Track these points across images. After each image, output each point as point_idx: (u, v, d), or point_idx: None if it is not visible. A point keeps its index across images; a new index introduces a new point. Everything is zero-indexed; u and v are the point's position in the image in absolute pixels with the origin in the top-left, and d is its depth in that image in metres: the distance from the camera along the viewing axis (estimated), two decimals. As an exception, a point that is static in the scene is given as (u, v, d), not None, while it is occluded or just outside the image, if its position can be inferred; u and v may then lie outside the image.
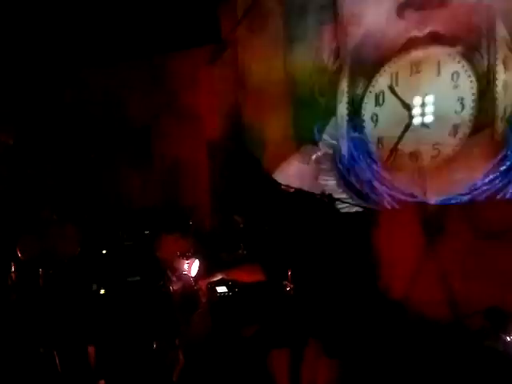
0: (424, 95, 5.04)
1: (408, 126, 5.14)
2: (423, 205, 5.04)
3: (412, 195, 5.15)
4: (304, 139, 5.85)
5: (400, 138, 5.17)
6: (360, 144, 5.46)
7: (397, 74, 5.21)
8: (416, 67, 5.07)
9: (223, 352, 3.43)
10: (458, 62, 4.85)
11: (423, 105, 5.05)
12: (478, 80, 4.76)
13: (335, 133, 5.66)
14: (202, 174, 6.37)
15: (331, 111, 5.67)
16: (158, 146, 6.67)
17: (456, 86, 4.87)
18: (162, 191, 6.43)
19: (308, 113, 5.80)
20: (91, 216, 5.38)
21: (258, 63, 6.12)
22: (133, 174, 6.55)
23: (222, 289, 3.67)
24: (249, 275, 3.48)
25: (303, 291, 3.09)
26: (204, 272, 3.96)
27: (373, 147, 5.40)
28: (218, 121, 6.34)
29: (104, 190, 6.32)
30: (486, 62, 4.71)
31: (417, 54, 5.04)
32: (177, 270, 4.03)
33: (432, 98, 5.01)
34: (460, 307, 4.76)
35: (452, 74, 4.89)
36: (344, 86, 5.58)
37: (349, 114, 5.55)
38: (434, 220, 4.97)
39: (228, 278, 3.70)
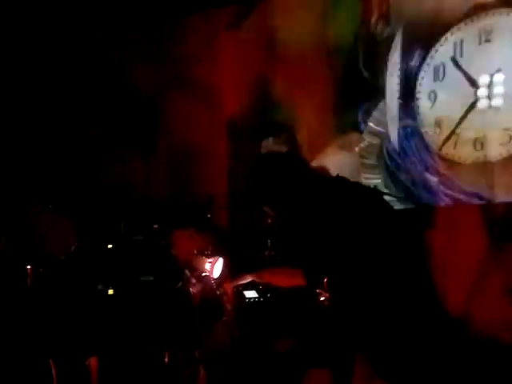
0: (494, 70, 5.03)
1: (473, 105, 5.14)
2: (489, 203, 5.05)
3: (476, 195, 5.15)
4: (345, 125, 5.87)
5: (462, 118, 5.18)
6: (413, 132, 5.49)
7: (461, 42, 5.20)
8: (486, 35, 5.06)
9: (251, 369, 3.44)
10: (537, 31, 4.85)
11: (492, 81, 5.04)
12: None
13: (383, 118, 5.66)
14: (219, 159, 6.39)
15: (379, 89, 5.69)
16: (167, 126, 6.69)
17: (534, 60, 4.87)
18: (170, 179, 6.46)
19: (351, 91, 5.82)
20: (88, 206, 5.40)
21: (292, 28, 6.11)
22: (136, 157, 6.59)
23: (251, 294, 3.67)
24: (287, 279, 3.47)
25: (345, 300, 3.08)
26: (229, 273, 3.97)
27: (429, 134, 5.42)
28: (241, 97, 6.34)
29: (103, 176, 6.34)
30: None
31: (488, 19, 5.04)
32: (197, 270, 4.00)
33: (504, 74, 4.99)
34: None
35: (530, 45, 4.88)
36: (396, 57, 5.57)
37: (401, 92, 5.55)
38: (502, 222, 4.99)
39: (259, 282, 3.70)
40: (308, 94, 6.06)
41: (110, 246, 4.13)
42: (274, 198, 3.28)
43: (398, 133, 5.57)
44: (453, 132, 5.25)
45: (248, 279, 3.70)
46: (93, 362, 3.57)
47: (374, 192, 3.38)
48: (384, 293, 3.15)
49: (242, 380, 3.52)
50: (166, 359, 3.71)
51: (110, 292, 3.69)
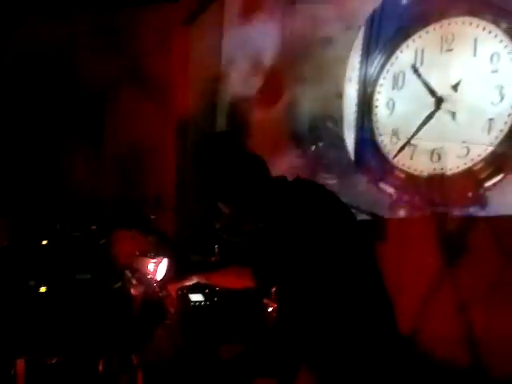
0: (455, 80, 4.95)
1: (431, 115, 5.07)
2: (443, 216, 4.97)
3: (430, 207, 5.08)
4: (301, 124, 5.75)
5: (419, 128, 5.10)
6: (369, 139, 5.39)
7: (423, 50, 5.13)
8: (447, 44, 4.99)
9: (194, 377, 3.26)
10: (500, 42, 4.74)
11: (452, 91, 4.96)
12: (524, 64, 4.69)
13: (340, 119, 5.57)
14: (168, 158, 6.22)
15: (337, 92, 5.58)
16: (113, 122, 6.48)
17: (495, 71, 4.77)
18: (116, 178, 6.24)
19: (309, 91, 5.70)
20: (24, 204, 5.18)
21: (249, 25, 6.01)
22: (79, 156, 6.36)
23: (196, 297, 3.45)
24: (235, 280, 3.29)
25: (293, 310, 2.89)
26: (174, 275, 3.77)
27: (385, 143, 5.32)
28: (193, 95, 6.18)
29: (43, 173, 6.12)
30: (535, 42, 4.67)
31: (449, 27, 4.96)
32: (138, 271, 3.82)
33: (464, 83, 4.91)
34: (481, 347, 4.68)
35: (491, 56, 4.78)
36: (355, 62, 5.49)
37: (359, 97, 5.47)
38: (456, 236, 4.91)
39: (206, 283, 3.49)
40: (263, 93, 5.96)
41: (44, 242, 3.89)
42: (226, 188, 3.07)
43: (356, 136, 5.45)
44: (408, 142, 5.16)
45: (194, 281, 3.51)
46: (20, 364, 3.34)
47: (333, 196, 3.17)
48: (335, 303, 2.99)
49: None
50: (101, 364, 3.53)
51: (43, 289, 3.44)
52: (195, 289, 3.52)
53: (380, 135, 5.37)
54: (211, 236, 4.38)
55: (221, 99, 6.15)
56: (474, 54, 4.89)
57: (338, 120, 5.59)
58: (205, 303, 3.30)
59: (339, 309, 2.93)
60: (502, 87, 4.77)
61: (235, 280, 3.29)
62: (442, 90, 5.04)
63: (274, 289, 3.40)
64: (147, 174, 6.18)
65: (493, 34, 4.80)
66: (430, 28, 5.10)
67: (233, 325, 3.29)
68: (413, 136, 5.11)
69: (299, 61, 5.81)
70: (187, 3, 6.37)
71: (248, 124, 5.95)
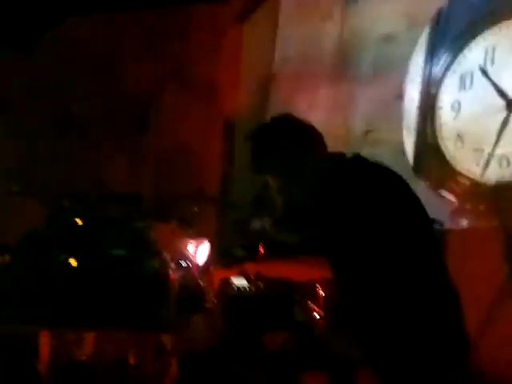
0: None
1: (506, 120, 4.72)
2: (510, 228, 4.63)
3: (497, 211, 4.71)
4: (357, 127, 5.45)
5: (498, 137, 4.76)
6: (432, 139, 5.08)
7: (493, 49, 4.83)
8: (523, 43, 4.69)
9: (235, 367, 2.94)
10: None
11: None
12: None
13: (400, 121, 5.30)
14: (213, 158, 6.00)
15: (398, 93, 5.30)
16: (158, 123, 6.29)
17: None
18: (155, 180, 6.05)
19: (366, 92, 5.44)
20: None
21: (306, 24, 5.78)
22: (120, 155, 6.19)
23: (240, 281, 3.15)
24: (306, 271, 3.02)
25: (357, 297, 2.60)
26: (216, 261, 3.54)
27: (449, 148, 5.01)
28: (242, 97, 5.97)
29: (80, 171, 5.99)
30: None
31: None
32: (177, 255, 3.61)
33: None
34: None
35: None
36: (419, 61, 5.21)
37: (421, 99, 5.19)
38: None
39: (264, 274, 3.23)
40: (317, 98, 5.70)
41: (79, 221, 3.66)
42: (277, 161, 2.81)
43: (415, 142, 5.16)
44: (492, 153, 4.81)
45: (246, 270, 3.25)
46: (44, 337, 3.08)
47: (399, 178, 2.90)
48: (402, 294, 2.69)
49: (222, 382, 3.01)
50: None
51: (73, 263, 3.20)
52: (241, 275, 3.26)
53: (443, 139, 5.07)
54: (256, 234, 4.18)
55: (272, 100, 5.91)
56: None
57: (398, 122, 5.31)
58: (250, 288, 2.99)
59: (406, 296, 2.67)
60: None
61: (305, 271, 3.04)
62: None
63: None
64: (191, 174, 5.97)
65: None
66: (503, 25, 4.82)
67: (279, 312, 2.95)
68: (495, 145, 4.78)
69: (358, 60, 5.58)
70: (239, 2, 6.18)
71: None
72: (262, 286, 3.13)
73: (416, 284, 2.64)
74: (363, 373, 2.82)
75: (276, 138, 2.83)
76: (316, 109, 5.59)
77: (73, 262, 3.17)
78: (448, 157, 5.03)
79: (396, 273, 2.66)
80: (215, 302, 3.17)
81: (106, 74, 6.32)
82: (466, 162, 4.92)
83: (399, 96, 5.33)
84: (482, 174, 4.82)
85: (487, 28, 4.90)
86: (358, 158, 2.90)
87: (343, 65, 5.64)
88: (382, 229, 2.65)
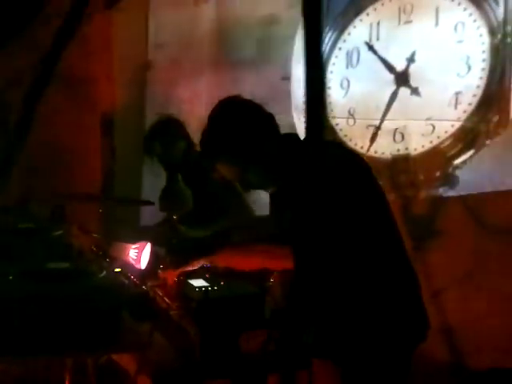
0: (414, 54, 4.76)
1: (394, 94, 4.84)
2: (409, 199, 4.78)
3: (396, 185, 4.85)
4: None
5: (386, 110, 4.84)
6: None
7: (378, 24, 4.92)
8: (406, 15, 4.81)
9: (212, 373, 2.64)
10: (464, 10, 4.60)
11: (413, 65, 4.77)
12: (491, 33, 4.49)
13: (289, 104, 5.29)
14: (91, 158, 5.73)
15: (284, 75, 5.31)
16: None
17: (460, 41, 4.61)
18: (27, 183, 5.67)
19: (251, 75, 5.39)
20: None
21: (179, 8, 5.64)
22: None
23: (198, 282, 2.88)
24: (250, 260, 2.90)
25: (311, 266, 2.55)
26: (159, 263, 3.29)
27: (340, 126, 5.07)
28: (118, 88, 5.74)
29: None
30: (502, 9, 4.49)
31: (409, -4, 4.74)
32: (116, 260, 3.37)
33: (427, 56, 4.72)
34: (457, 340, 4.51)
35: (455, 25, 4.62)
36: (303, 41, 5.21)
37: None
38: (425, 219, 4.73)
39: (223, 268, 3.06)
40: (196, 83, 5.61)
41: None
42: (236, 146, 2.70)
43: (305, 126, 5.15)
44: (379, 126, 4.91)
45: (199, 264, 3.08)
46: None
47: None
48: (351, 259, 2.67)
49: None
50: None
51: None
52: (192, 274, 3.07)
53: (334, 118, 5.10)
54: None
55: (150, 90, 5.73)
56: (436, 25, 4.70)
57: (287, 104, 5.31)
58: (212, 288, 2.83)
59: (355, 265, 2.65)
60: (468, 57, 4.57)
61: (249, 260, 2.94)
62: (401, 65, 4.82)
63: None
64: (67, 173, 5.65)
65: (456, 2, 4.63)
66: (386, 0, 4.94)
67: (250, 310, 2.81)
68: (383, 119, 4.88)
69: (241, 44, 5.52)
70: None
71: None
72: (223, 284, 2.95)
73: (373, 261, 2.64)
74: (320, 365, 2.77)
75: (233, 121, 2.74)
76: (200, 96, 5.47)
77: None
78: (341, 135, 5.09)
79: (354, 248, 2.64)
80: (174, 307, 2.94)
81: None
82: (360, 140, 4.99)
83: (286, 77, 5.31)
84: (377, 150, 4.92)
85: (370, 3, 4.99)
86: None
87: (225, 49, 5.55)
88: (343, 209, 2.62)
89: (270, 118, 2.81)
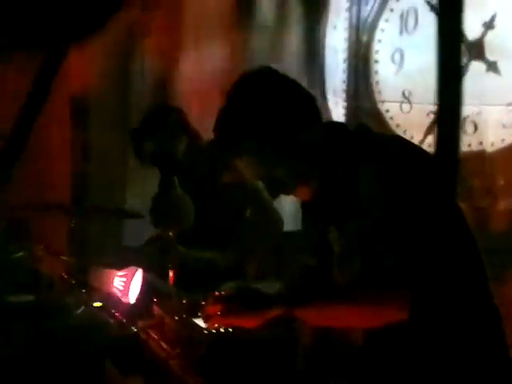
0: (494, 17, 3.86)
1: (465, 71, 3.86)
2: (485, 211, 3.97)
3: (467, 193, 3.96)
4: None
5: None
6: (367, 110, 4.28)
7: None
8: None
9: None
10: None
11: (490, 33, 3.89)
12: None
13: (322, 82, 4.46)
14: (58, 158, 4.77)
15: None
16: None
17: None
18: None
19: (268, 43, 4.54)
20: None
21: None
22: None
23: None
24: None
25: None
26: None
27: (392, 112, 4.22)
28: (94, 60, 4.66)
29: None
30: None
31: None
32: (96, 291, 2.98)
33: (506, 21, 3.84)
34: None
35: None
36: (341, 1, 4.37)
37: (349, 50, 4.38)
38: (506, 238, 3.91)
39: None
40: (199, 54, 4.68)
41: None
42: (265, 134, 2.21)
43: (346, 109, 4.34)
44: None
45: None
46: None
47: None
48: None
49: None
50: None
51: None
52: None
53: (383, 102, 4.25)
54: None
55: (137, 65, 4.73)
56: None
57: (319, 84, 4.44)
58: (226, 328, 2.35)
59: None
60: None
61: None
62: (475, 32, 3.91)
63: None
64: (29, 171, 4.66)
65: None
66: None
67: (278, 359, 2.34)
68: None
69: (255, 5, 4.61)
70: None
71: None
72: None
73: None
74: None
75: (264, 97, 2.24)
76: (205, 72, 4.50)
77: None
78: (392, 125, 4.26)
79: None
80: (174, 354, 2.41)
81: None
82: (417, 131, 4.12)
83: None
84: (432, 143, 3.94)
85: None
86: (364, 130, 2.37)
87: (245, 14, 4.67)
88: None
89: (312, 98, 2.35)
